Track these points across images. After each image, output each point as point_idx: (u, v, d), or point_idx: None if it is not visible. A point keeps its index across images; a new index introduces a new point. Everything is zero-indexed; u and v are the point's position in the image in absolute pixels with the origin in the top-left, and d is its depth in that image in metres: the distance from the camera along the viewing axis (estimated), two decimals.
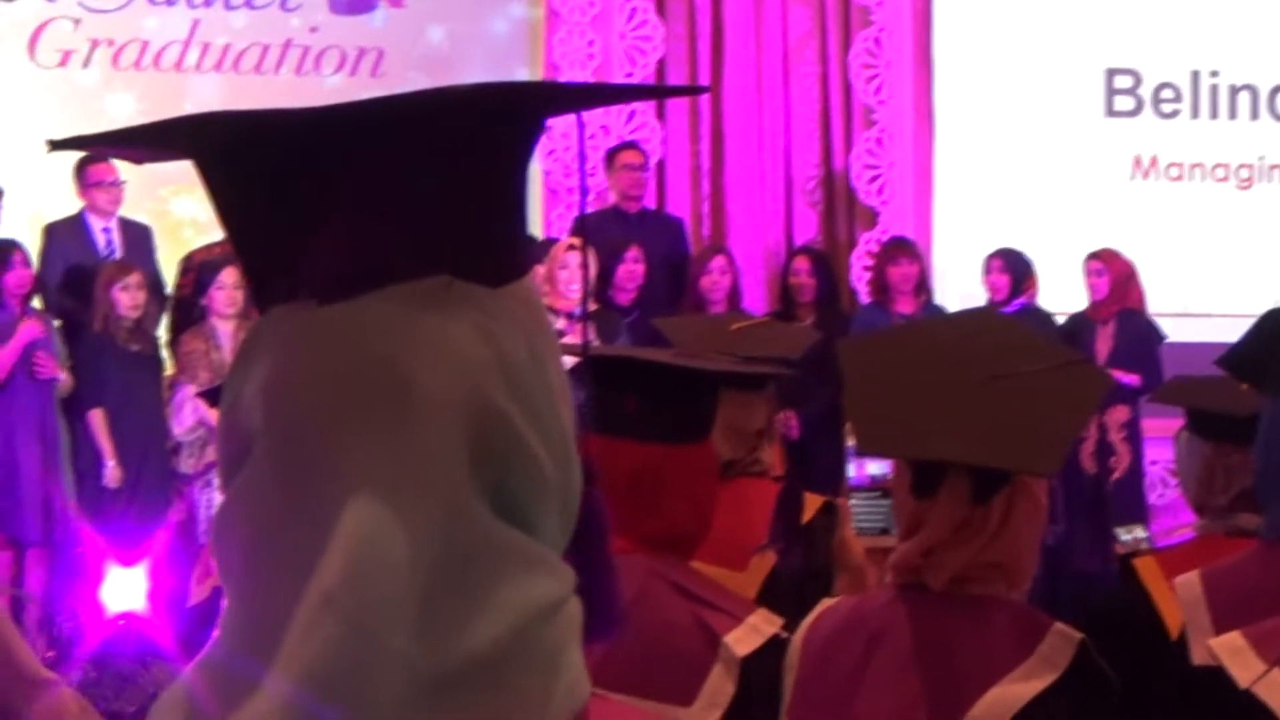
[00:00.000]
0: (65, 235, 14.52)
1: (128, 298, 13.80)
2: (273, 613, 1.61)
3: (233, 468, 1.69)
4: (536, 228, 15.39)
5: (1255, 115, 17.11)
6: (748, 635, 4.55)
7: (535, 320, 1.76)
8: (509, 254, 1.77)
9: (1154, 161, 17.01)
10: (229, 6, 15.66)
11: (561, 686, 1.70)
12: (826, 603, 4.50)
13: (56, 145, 1.74)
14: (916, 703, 4.13)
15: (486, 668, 1.64)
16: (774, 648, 4.51)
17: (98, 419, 13.67)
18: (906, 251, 15.63)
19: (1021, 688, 4.09)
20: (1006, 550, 4.25)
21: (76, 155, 12.57)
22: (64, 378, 13.92)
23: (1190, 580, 5.54)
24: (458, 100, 1.71)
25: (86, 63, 15.53)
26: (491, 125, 1.74)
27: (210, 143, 1.71)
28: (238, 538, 1.67)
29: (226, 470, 1.71)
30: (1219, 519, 6.20)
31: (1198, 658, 3.89)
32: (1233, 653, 3.92)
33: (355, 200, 1.67)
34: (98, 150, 1.46)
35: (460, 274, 1.69)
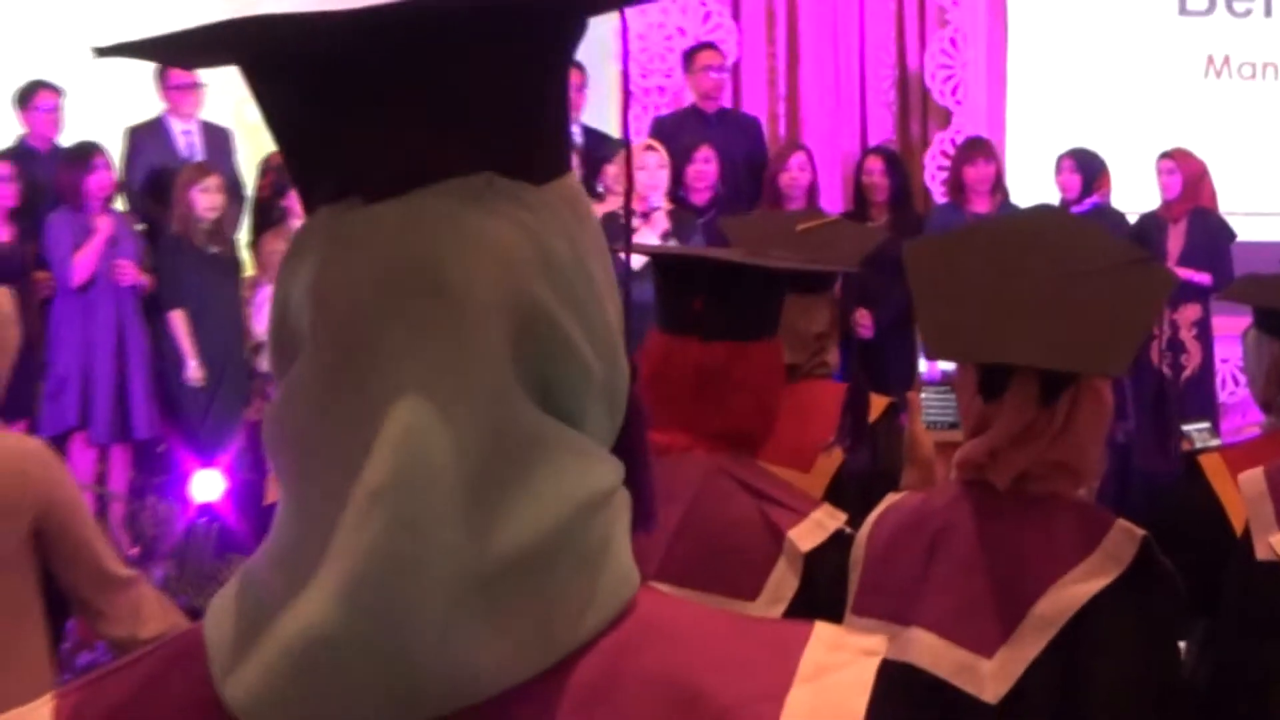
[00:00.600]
0: (146, 138, 14.54)
1: (206, 199, 13.81)
2: (323, 510, 1.61)
3: (283, 368, 1.70)
4: (611, 128, 15.44)
5: None
6: (811, 530, 4.56)
7: (579, 217, 1.75)
8: (551, 151, 1.75)
9: (1226, 60, 16.94)
10: None
11: (608, 580, 1.69)
12: (892, 498, 4.51)
13: (103, 51, 1.74)
14: (981, 599, 4.14)
15: (536, 559, 1.63)
16: (837, 543, 4.53)
17: (178, 320, 13.69)
18: (982, 151, 15.55)
19: (1084, 585, 4.09)
20: (1071, 449, 4.26)
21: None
22: (145, 280, 13.94)
23: (1254, 476, 5.55)
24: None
25: None
26: (532, 23, 1.73)
27: (253, 46, 1.72)
28: (287, 437, 1.68)
29: (278, 371, 1.71)
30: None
31: (1261, 553, 3.89)
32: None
33: (398, 99, 1.67)
34: (143, 56, 1.40)
35: (502, 171, 1.68)
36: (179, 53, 1.81)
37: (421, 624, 1.58)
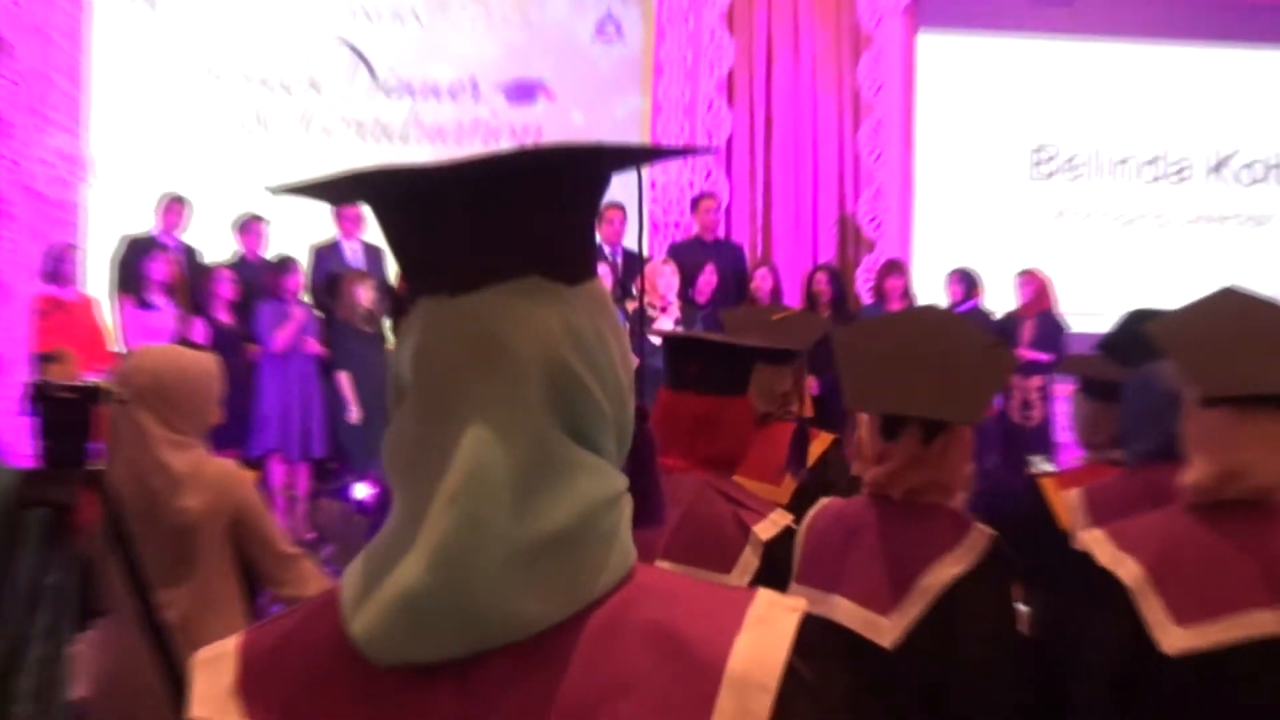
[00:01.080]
0: (325, 253, 14.53)
1: (364, 294, 13.83)
2: (417, 507, 1.69)
3: (395, 408, 1.78)
4: (641, 246, 15.31)
5: (1135, 177, 16.99)
6: (769, 526, 4.60)
7: (600, 307, 1.80)
8: (581, 263, 1.81)
9: (1065, 210, 16.93)
10: (437, 96, 15.60)
11: (615, 555, 1.74)
12: (823, 502, 4.56)
13: (276, 190, 1.82)
14: (881, 576, 4.18)
15: (563, 541, 1.68)
16: (787, 535, 4.57)
17: (344, 378, 13.73)
18: (895, 269, 15.54)
19: (952, 568, 4.13)
20: (945, 474, 4.30)
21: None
22: (321, 351, 13.94)
23: (1074, 494, 5.59)
24: (542, 156, 1.73)
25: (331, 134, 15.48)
26: (569, 179, 1.79)
27: (375, 190, 1.80)
28: (395, 455, 1.76)
29: (392, 410, 1.79)
30: (1098, 453, 6.23)
31: (1078, 545, 3.90)
32: (1095, 541, 3.92)
33: (474, 226, 1.73)
34: (302, 195, 1.47)
35: (545, 276, 1.74)
36: (326, 193, 1.83)
37: (480, 585, 1.65)
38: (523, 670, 1.69)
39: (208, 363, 5.70)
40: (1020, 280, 15.54)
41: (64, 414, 3.60)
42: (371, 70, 15.54)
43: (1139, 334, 5.61)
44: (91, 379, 4.08)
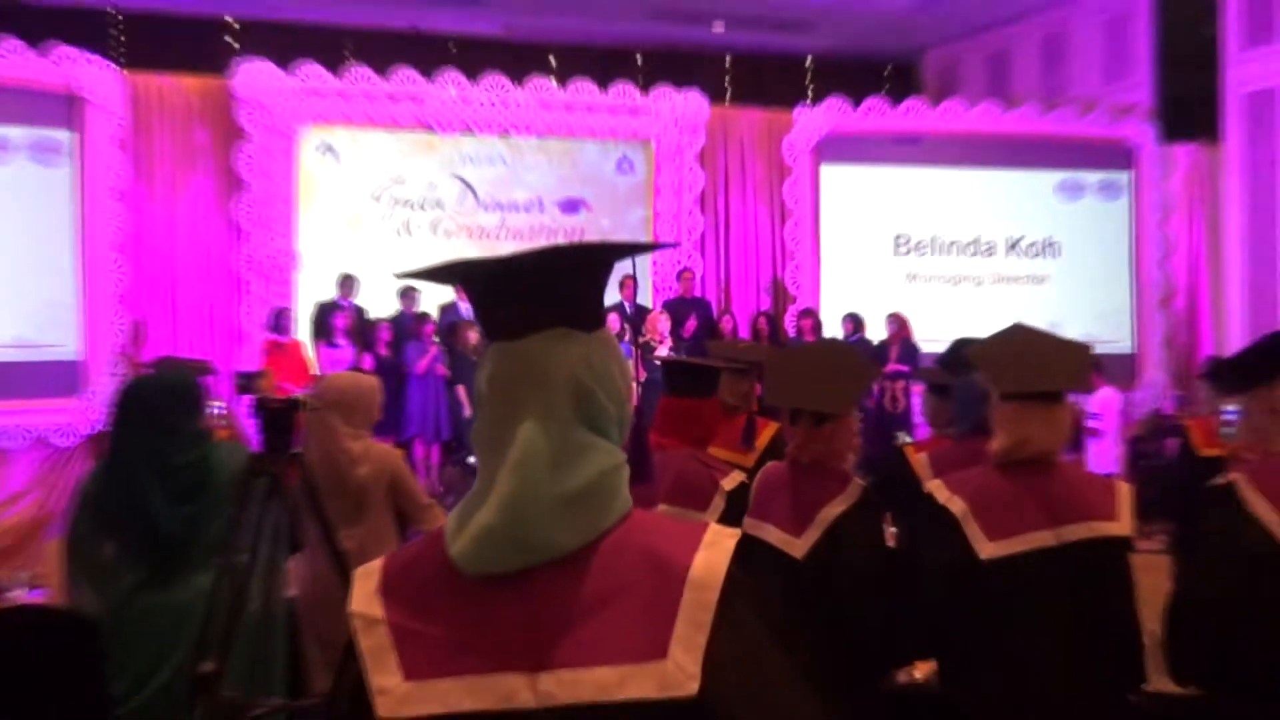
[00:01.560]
0: (448, 308, 14.49)
1: (472, 336, 13.75)
2: (491, 473, 1.75)
3: (477, 412, 1.83)
4: (647, 301, 15.47)
5: (960, 253, 16.98)
6: (730, 480, 4.60)
7: (607, 346, 1.85)
8: (594, 318, 1.85)
9: (916, 275, 16.92)
10: (516, 210, 15.63)
11: (618, 502, 1.78)
12: (767, 465, 4.51)
13: (399, 275, 1.94)
14: (795, 512, 4.17)
15: (586, 494, 1.75)
16: (743, 486, 4.54)
17: (461, 390, 13.63)
18: (809, 315, 15.53)
19: (838, 507, 4.11)
20: (834, 446, 4.27)
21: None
22: (446, 372, 13.88)
23: (923, 456, 5.61)
24: (565, 252, 1.80)
25: (451, 236, 15.48)
26: (581, 264, 1.83)
27: (461, 275, 1.85)
28: (478, 442, 1.81)
29: (475, 413, 1.84)
30: (938, 431, 6.21)
31: (927, 490, 3.90)
32: (935, 487, 3.91)
33: (522, 294, 1.78)
34: (418, 278, 1.56)
35: (571, 327, 1.80)
36: (432, 276, 1.85)
37: (531, 523, 1.72)
38: (559, 576, 1.73)
39: (372, 381, 5.76)
40: (888, 320, 15.50)
41: (276, 416, 3.63)
42: (475, 194, 15.55)
43: (962, 354, 5.61)
44: (295, 393, 4.09)
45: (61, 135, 13.35)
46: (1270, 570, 3.44)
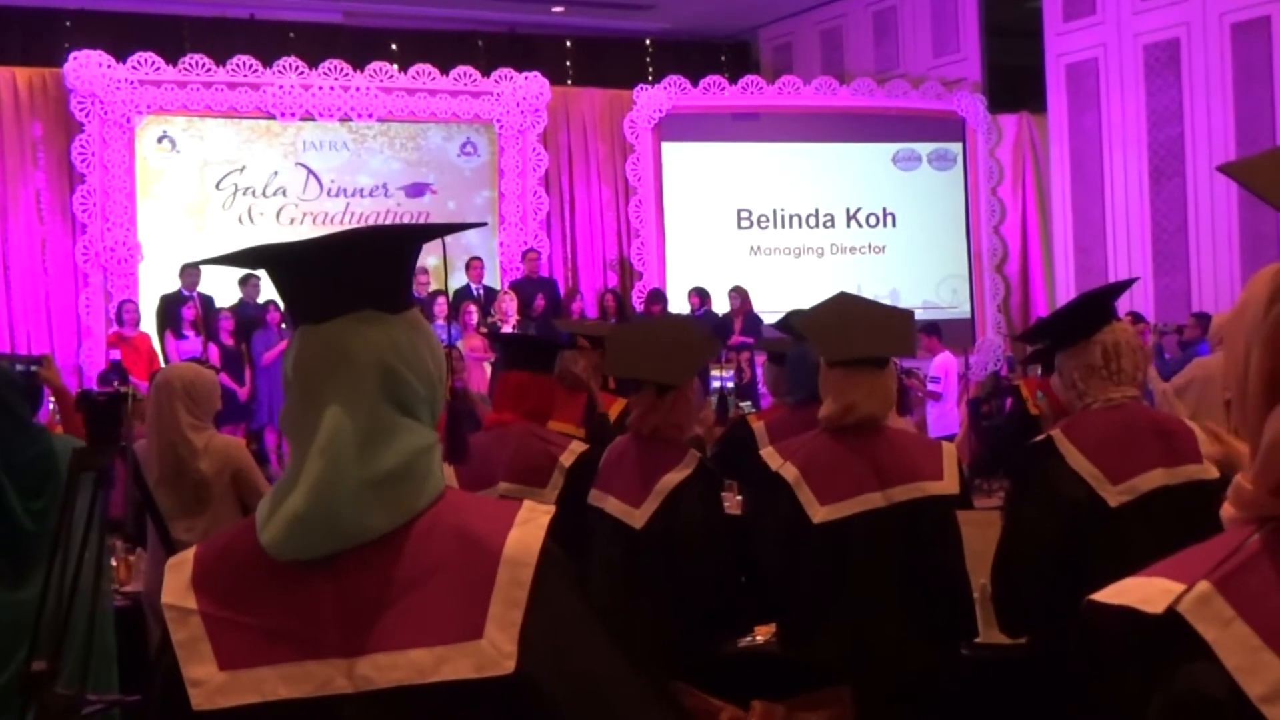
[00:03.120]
0: None
1: None
2: (299, 458, 1.72)
3: (285, 397, 1.80)
4: (495, 282, 15.39)
5: (800, 226, 17.14)
6: (569, 455, 4.58)
7: (415, 327, 1.80)
8: (400, 299, 1.80)
9: (759, 247, 17.05)
10: (361, 195, 15.45)
11: (431, 483, 1.74)
12: (616, 441, 4.44)
13: (203, 262, 1.89)
14: (636, 483, 4.13)
15: (396, 476, 1.70)
16: (583, 459, 4.52)
17: None
18: (658, 295, 15.62)
19: (678, 476, 4.09)
20: (676, 417, 4.24)
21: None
22: None
23: (760, 424, 5.59)
24: (368, 235, 1.81)
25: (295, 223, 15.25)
26: (384, 246, 1.81)
27: (265, 259, 1.81)
28: (286, 427, 1.78)
29: (285, 398, 1.81)
30: (778, 399, 6.25)
31: (762, 455, 3.92)
32: (768, 454, 3.93)
33: (326, 277, 1.75)
34: (222, 264, 1.54)
35: (377, 309, 1.75)
36: (237, 262, 1.82)
37: (340, 507, 1.68)
38: (372, 559, 1.69)
39: (211, 372, 5.68)
40: (730, 294, 15.61)
41: (102, 410, 3.52)
42: (319, 181, 15.33)
43: (792, 325, 5.66)
44: (123, 388, 3.98)
45: None
46: (1088, 520, 3.52)
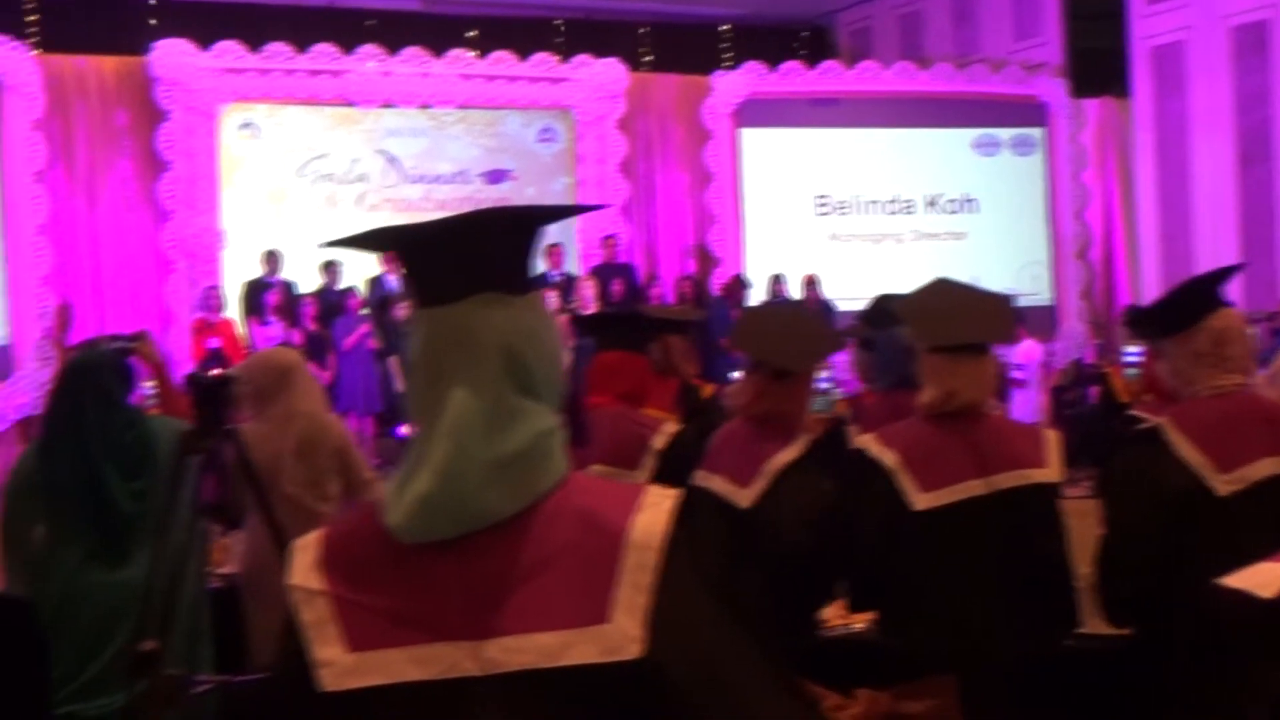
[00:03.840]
0: (376, 282, 14.57)
1: (401, 310, 13.66)
2: (426, 440, 1.71)
3: (408, 380, 1.78)
4: (574, 268, 15.46)
5: (880, 212, 17.04)
6: (661, 438, 4.51)
7: (537, 309, 1.80)
8: (523, 282, 1.79)
9: (838, 234, 16.99)
10: (441, 182, 15.51)
11: (554, 465, 1.73)
12: (727, 424, 4.38)
13: (327, 244, 1.89)
14: (746, 463, 4.07)
15: (521, 458, 1.70)
16: (676, 441, 4.47)
17: (392, 362, 13.60)
18: (739, 280, 15.64)
19: (786, 456, 4.03)
20: (788, 404, 4.17)
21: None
22: (378, 346, 13.86)
23: (849, 411, 5.53)
24: (495, 216, 1.78)
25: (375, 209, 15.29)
26: (510, 227, 1.80)
27: (390, 241, 1.83)
28: (410, 410, 1.77)
29: (406, 380, 1.80)
30: (870, 384, 6.18)
31: (858, 444, 3.88)
32: (868, 440, 3.89)
33: (453, 261, 1.74)
34: (346, 246, 1.56)
35: (502, 291, 1.75)
36: (360, 244, 1.84)
37: (468, 487, 1.67)
38: (497, 542, 1.69)
39: (299, 357, 5.70)
40: (803, 280, 15.54)
41: (209, 392, 3.55)
42: (400, 167, 15.42)
43: (884, 309, 5.60)
44: (228, 371, 4.01)
45: None
46: (1195, 509, 3.46)
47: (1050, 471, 3.74)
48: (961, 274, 15.08)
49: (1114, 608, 3.62)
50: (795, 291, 15.52)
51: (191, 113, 14.18)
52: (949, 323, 3.80)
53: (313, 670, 1.69)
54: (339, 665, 1.68)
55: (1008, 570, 3.72)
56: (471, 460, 1.67)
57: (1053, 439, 3.83)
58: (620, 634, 1.64)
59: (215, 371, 4.18)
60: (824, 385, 7.27)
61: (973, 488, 3.73)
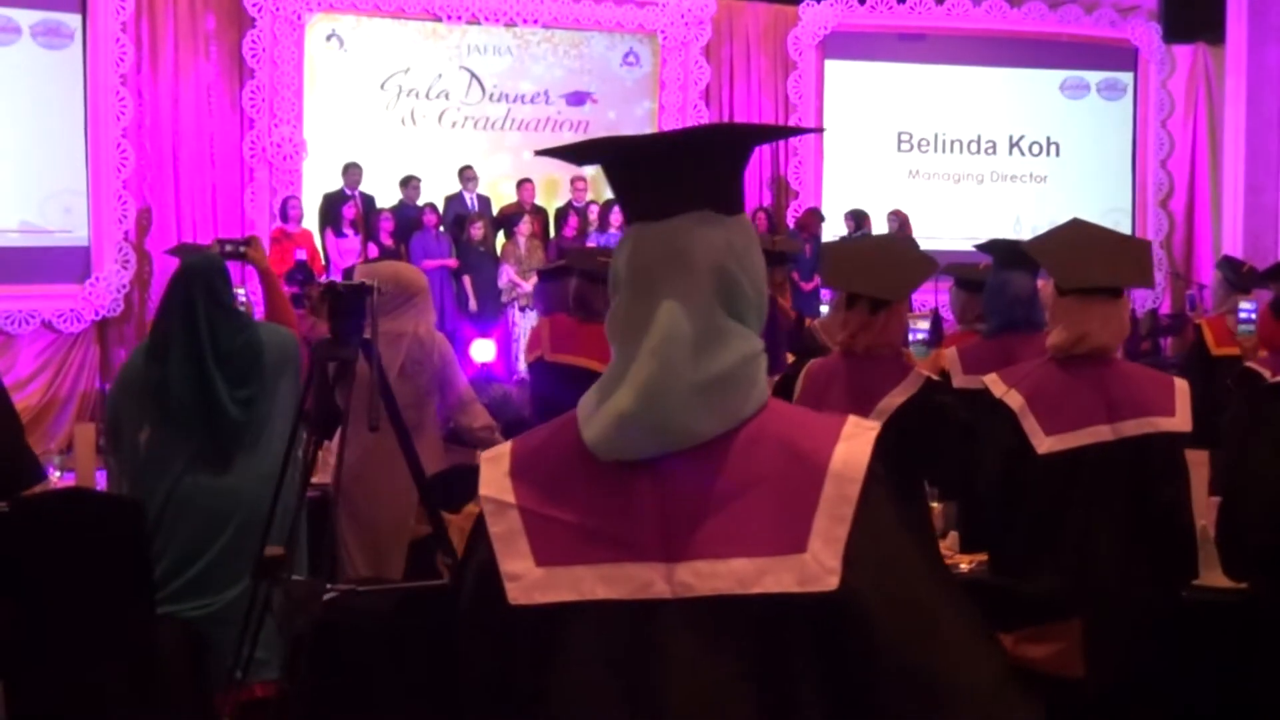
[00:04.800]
0: (454, 200, 14.57)
1: (477, 229, 13.88)
2: (627, 357, 1.67)
3: (613, 296, 1.75)
4: None
5: (962, 151, 16.87)
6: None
7: (747, 231, 1.76)
8: (736, 202, 1.76)
9: (918, 171, 16.83)
10: (522, 102, 15.43)
11: (757, 391, 1.70)
12: (815, 361, 4.38)
13: (541, 152, 1.86)
14: (851, 401, 4.05)
15: (726, 380, 1.66)
16: (784, 380, 4.44)
17: (466, 280, 13.77)
18: (813, 212, 15.48)
19: (899, 397, 4.02)
20: (888, 335, 4.18)
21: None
22: (454, 262, 13.86)
23: (952, 352, 5.48)
24: (713, 132, 1.83)
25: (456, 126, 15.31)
26: (727, 145, 1.77)
27: (604, 153, 1.77)
28: (614, 325, 1.73)
29: (612, 297, 1.76)
30: (965, 325, 6.14)
31: (957, 383, 3.84)
32: (991, 381, 3.84)
33: (668, 176, 1.71)
34: (558, 156, 1.53)
35: (714, 209, 1.71)
36: (574, 155, 1.81)
37: (670, 408, 1.64)
38: (698, 464, 1.65)
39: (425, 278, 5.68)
40: (889, 216, 15.37)
41: (346, 301, 3.52)
42: (482, 85, 15.33)
43: (1003, 248, 5.51)
44: (362, 279, 3.97)
45: (69, 19, 13.07)
46: None
47: (1179, 421, 3.70)
48: (1040, 218, 15.09)
49: (1236, 561, 3.58)
50: (880, 228, 15.33)
51: (279, 20, 14.11)
52: (1085, 264, 3.74)
53: (500, 583, 1.67)
54: (527, 579, 1.66)
55: (1129, 518, 3.68)
56: (678, 379, 1.63)
57: (1182, 388, 3.77)
58: (817, 564, 1.60)
59: (356, 279, 4.14)
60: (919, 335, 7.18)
61: (1099, 433, 3.68)
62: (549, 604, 1.65)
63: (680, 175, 1.70)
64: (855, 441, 1.67)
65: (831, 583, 1.60)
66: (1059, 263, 3.83)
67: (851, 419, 1.71)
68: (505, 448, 1.77)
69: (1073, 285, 3.73)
